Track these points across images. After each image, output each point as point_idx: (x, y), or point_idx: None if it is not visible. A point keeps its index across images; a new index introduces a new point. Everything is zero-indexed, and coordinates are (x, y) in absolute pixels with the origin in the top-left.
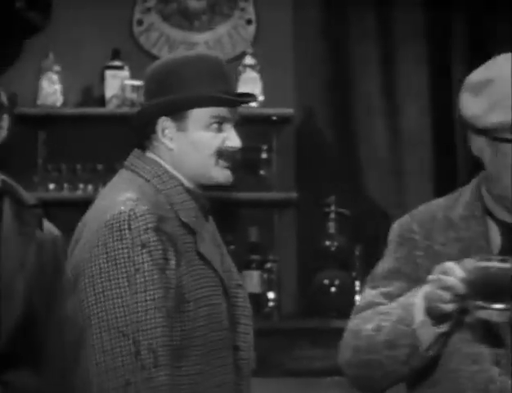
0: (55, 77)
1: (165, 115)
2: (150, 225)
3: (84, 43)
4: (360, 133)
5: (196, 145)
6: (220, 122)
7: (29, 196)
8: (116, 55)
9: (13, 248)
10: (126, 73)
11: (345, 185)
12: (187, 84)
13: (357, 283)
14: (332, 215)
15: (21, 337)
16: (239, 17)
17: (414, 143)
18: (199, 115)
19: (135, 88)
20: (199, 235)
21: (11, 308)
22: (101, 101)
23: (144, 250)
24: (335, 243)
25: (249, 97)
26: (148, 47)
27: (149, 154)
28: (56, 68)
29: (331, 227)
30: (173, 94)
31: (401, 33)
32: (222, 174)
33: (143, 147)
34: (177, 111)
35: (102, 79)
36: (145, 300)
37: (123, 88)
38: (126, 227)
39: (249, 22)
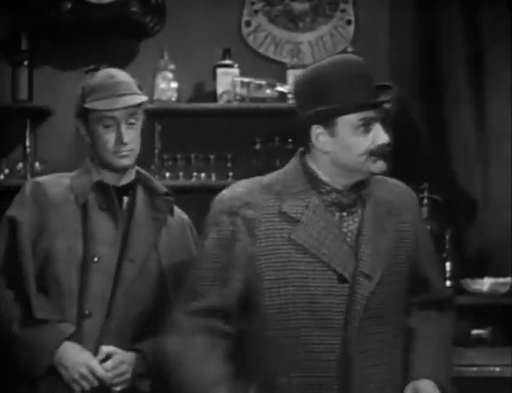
0: (170, 75)
1: (317, 124)
2: (226, 209)
3: (197, 44)
4: (450, 124)
5: (348, 149)
6: (367, 123)
7: (161, 186)
8: (226, 54)
9: (146, 231)
10: (236, 70)
11: (437, 173)
12: (335, 93)
13: (448, 264)
14: (425, 201)
15: (153, 310)
16: (339, 18)
17: (499, 134)
18: (348, 120)
19: (244, 84)
20: (301, 224)
21: (146, 285)
22: (213, 97)
23: (215, 228)
24: (428, 227)
25: (388, 89)
26: (255, 47)
27: (304, 156)
28: (171, 67)
29: (424, 212)
30: (323, 103)
31: (488, 31)
32: (375, 167)
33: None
34: (328, 120)
35: (214, 76)
36: (204, 269)
37: (233, 84)
38: (211, 208)
39: (348, 22)
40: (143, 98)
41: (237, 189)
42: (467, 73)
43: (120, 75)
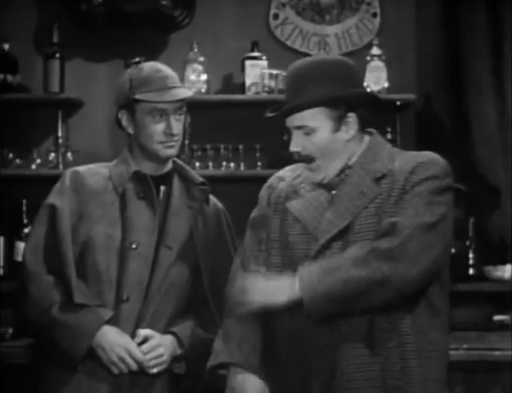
0: (199, 67)
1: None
2: (268, 184)
3: (225, 36)
4: (472, 115)
5: None
6: None
7: (197, 175)
8: (255, 46)
9: (183, 219)
10: (264, 62)
11: (460, 162)
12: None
13: (471, 251)
14: None
15: (189, 296)
16: (365, 11)
17: None
18: None
19: (272, 76)
20: (299, 196)
21: (182, 271)
22: (241, 89)
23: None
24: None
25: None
26: (283, 39)
27: None
28: (200, 59)
29: None
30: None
31: (509, 26)
32: None
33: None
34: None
35: (242, 68)
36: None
37: (261, 76)
38: None
39: (374, 15)
40: (191, 92)
41: (286, 172)
42: (490, 63)
43: (166, 69)
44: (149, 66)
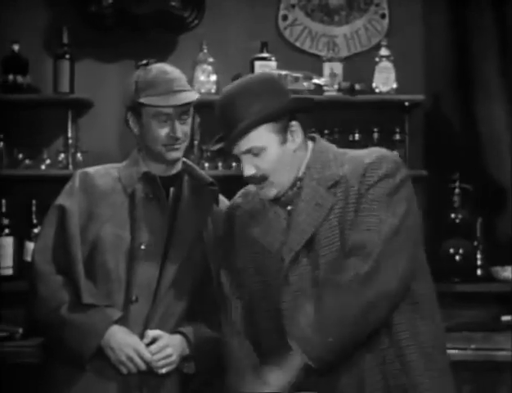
0: (209, 68)
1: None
2: (225, 216)
3: (235, 37)
4: (480, 115)
5: None
6: None
7: (206, 176)
8: (264, 47)
9: (192, 220)
10: (273, 63)
11: (468, 163)
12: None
13: (479, 252)
14: (457, 190)
15: (198, 296)
16: (374, 12)
17: None
18: None
19: (281, 77)
20: (257, 221)
21: (191, 271)
22: None
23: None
24: (459, 216)
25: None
26: (292, 40)
27: None
28: (210, 60)
29: (456, 201)
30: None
31: None
32: None
33: None
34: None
35: (252, 69)
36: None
37: None
38: None
39: (383, 16)
40: (197, 95)
41: (237, 195)
42: (498, 63)
43: (174, 71)
44: (156, 68)
